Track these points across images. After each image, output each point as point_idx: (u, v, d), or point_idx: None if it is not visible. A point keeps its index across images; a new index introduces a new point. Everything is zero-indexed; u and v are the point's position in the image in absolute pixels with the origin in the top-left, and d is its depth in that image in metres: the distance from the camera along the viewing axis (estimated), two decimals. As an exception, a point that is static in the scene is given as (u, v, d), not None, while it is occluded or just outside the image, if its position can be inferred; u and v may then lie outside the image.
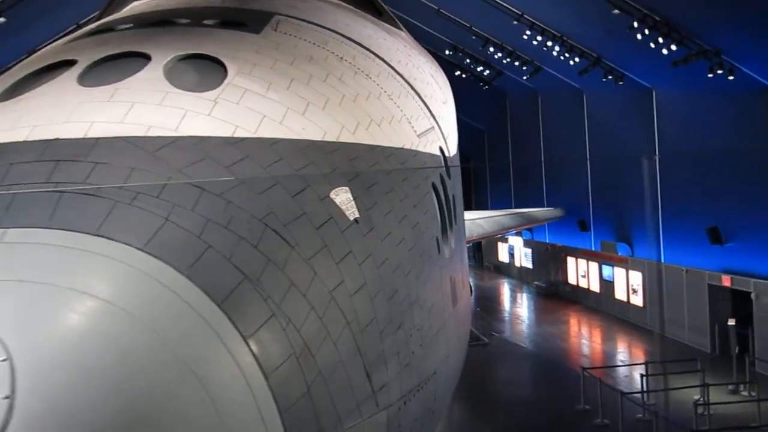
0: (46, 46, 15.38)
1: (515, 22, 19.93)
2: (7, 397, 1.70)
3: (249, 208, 2.38)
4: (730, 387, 14.40)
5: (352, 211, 2.82)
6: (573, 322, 22.72)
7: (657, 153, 19.42)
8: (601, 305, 23.08)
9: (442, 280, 3.92)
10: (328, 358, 2.36)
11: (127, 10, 5.07)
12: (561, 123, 26.25)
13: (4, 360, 1.74)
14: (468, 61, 26.86)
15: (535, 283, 27.96)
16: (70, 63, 3.08)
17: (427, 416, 3.35)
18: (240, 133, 2.68)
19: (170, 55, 3.05)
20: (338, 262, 2.60)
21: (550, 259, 27.25)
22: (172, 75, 2.92)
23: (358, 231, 2.81)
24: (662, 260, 20.11)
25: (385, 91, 4.06)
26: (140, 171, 2.32)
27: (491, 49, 23.92)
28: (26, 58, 14.62)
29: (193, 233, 2.17)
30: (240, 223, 2.31)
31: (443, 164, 4.65)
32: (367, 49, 4.55)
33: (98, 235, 2.04)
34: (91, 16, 19.94)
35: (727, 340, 15.94)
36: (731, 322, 15.04)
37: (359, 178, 3.05)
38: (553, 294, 26.27)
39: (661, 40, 15.58)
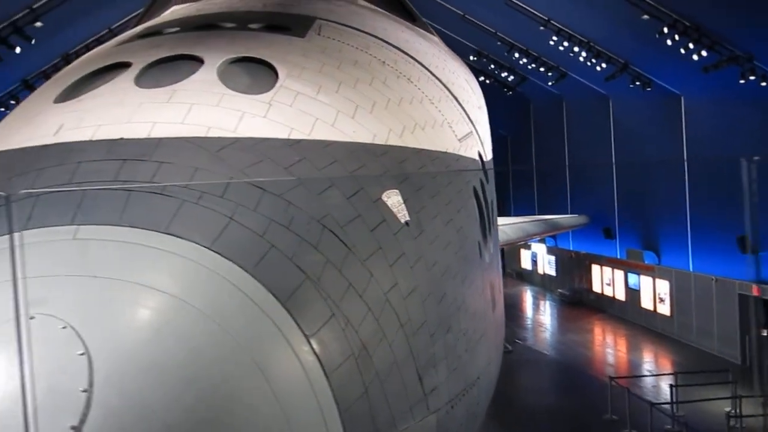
0: (81, 49, 15.68)
1: (542, 28, 19.87)
2: (85, 391, 1.73)
3: (307, 209, 2.43)
4: (762, 400, 14.15)
5: (403, 214, 2.85)
6: (598, 330, 22.51)
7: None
8: (626, 314, 22.83)
9: (484, 284, 3.92)
10: (383, 360, 2.39)
11: (168, 14, 5.17)
12: (586, 129, 26.06)
13: (81, 354, 1.78)
14: (492, 66, 26.83)
15: (559, 290, 27.76)
16: (124, 65, 3.15)
17: (470, 421, 3.36)
18: (295, 135, 2.74)
19: (221, 58, 3.11)
20: (392, 264, 2.62)
21: (574, 267, 27.04)
22: (225, 77, 2.97)
23: (409, 234, 2.84)
24: (690, 269, 19.85)
25: (426, 96, 4.09)
26: (204, 171, 2.38)
27: (516, 55, 23.87)
28: (61, 61, 14.92)
29: (256, 233, 2.22)
30: (300, 224, 2.36)
31: (482, 169, 4.65)
32: (406, 54, 4.58)
33: (167, 233, 2.10)
34: (124, 20, 20.29)
35: (758, 351, 15.66)
36: (764, 332, 14.80)
37: (408, 181, 3.07)
38: (577, 302, 26.04)
39: (691, 45, 15.41)
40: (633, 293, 22.46)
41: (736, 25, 14.88)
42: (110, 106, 2.74)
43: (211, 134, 2.57)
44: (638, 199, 22.49)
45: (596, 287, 25.11)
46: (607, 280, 24.30)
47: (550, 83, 25.04)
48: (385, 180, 2.89)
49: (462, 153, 4.14)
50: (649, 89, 19.90)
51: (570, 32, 19.78)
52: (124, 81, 2.94)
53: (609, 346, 21.14)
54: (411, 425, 2.53)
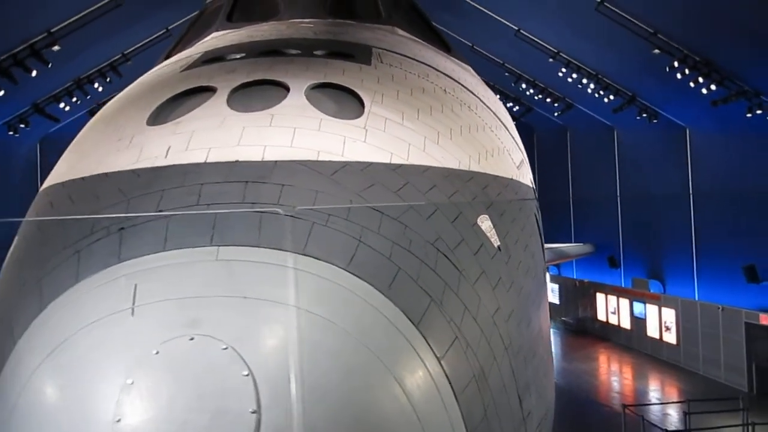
0: (94, 73, 15.75)
1: (551, 60, 20.18)
2: (254, 412, 1.78)
3: (422, 232, 2.49)
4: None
5: (495, 239, 2.95)
6: (603, 359, 22.51)
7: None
8: (632, 342, 22.88)
9: (547, 309, 4.04)
10: (495, 383, 2.45)
11: (214, 40, 4.99)
12: (590, 159, 26.35)
13: (246, 375, 1.82)
14: (498, 97, 27.06)
15: (563, 319, 27.76)
16: (205, 89, 3.16)
17: None
18: (396, 160, 2.80)
19: (304, 83, 3.14)
20: (494, 288, 2.71)
21: (578, 295, 27.09)
22: (314, 102, 3.00)
23: (502, 258, 2.94)
24: (696, 298, 19.97)
25: (486, 123, 4.17)
26: (324, 193, 2.43)
27: (523, 86, 24.17)
28: (73, 85, 15.07)
29: (384, 255, 2.28)
30: (418, 247, 2.42)
31: (536, 195, 4.79)
32: (458, 82, 4.70)
33: (305, 255, 2.14)
34: (138, 45, 20.48)
35: (765, 379, 15.73)
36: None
37: (493, 206, 3.18)
38: (581, 331, 26.05)
39: (701, 79, 15.74)
40: (638, 322, 22.53)
41: (746, 60, 15.21)
42: (214, 129, 2.75)
43: (321, 158, 2.62)
44: (643, 229, 22.68)
45: (601, 316, 25.16)
46: (612, 309, 24.35)
47: (555, 114, 25.33)
48: (477, 205, 3.02)
49: (521, 180, 4.29)
50: (655, 121, 20.20)
51: (579, 64, 20.11)
52: (217, 105, 2.94)
53: (616, 374, 21.13)
54: None
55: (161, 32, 20.36)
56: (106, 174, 2.68)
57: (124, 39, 19.83)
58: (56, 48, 16.74)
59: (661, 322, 21.16)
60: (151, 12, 18.89)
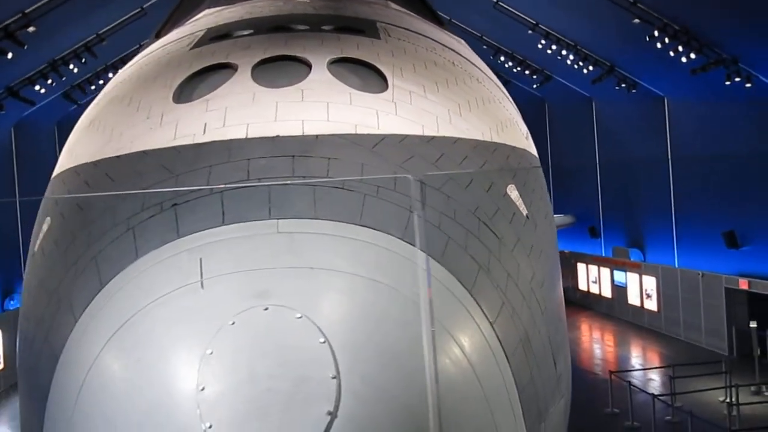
0: (68, 54, 15.27)
1: (530, 32, 20.19)
2: (334, 377, 1.85)
3: (463, 202, 2.56)
4: (753, 388, 14.67)
5: (523, 207, 3.02)
6: (586, 327, 22.90)
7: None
8: (613, 311, 23.28)
9: (561, 276, 4.13)
10: (537, 346, 2.55)
11: (212, 17, 4.84)
12: (569, 131, 26.52)
13: (323, 342, 1.89)
14: (477, 70, 27.07)
15: (544, 289, 28.14)
16: (225, 66, 3.15)
17: (568, 409, 3.52)
18: (428, 132, 2.84)
19: (324, 58, 3.14)
20: (528, 255, 2.79)
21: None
22: (338, 77, 3.01)
23: (531, 226, 3.02)
24: (677, 265, 20.38)
25: (494, 96, 4.21)
26: (369, 166, 2.47)
27: (501, 59, 24.17)
28: (46, 67, 14.69)
29: (434, 224, 2.35)
30: (461, 216, 2.49)
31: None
32: (461, 55, 4.73)
33: (363, 225, 2.20)
34: (113, 24, 20.02)
35: (744, 343, 16.16)
36: (753, 324, 15.29)
37: (516, 177, 3.25)
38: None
39: (680, 48, 15.89)
40: (619, 290, 22.90)
41: (723, 28, 15.39)
42: (247, 105, 2.76)
43: (359, 131, 2.65)
44: (623, 198, 22.98)
45: (582, 285, 25.53)
46: (593, 278, 24.74)
47: (534, 86, 25.41)
48: (505, 176, 3.08)
49: (531, 151, 4.36)
50: (634, 91, 20.37)
51: (558, 36, 20.13)
52: (243, 81, 2.94)
53: (599, 342, 21.54)
54: (553, 408, 2.69)
55: (136, 11, 19.93)
56: (144, 152, 2.68)
57: (98, 19, 19.37)
58: (31, 29, 16.32)
59: (641, 289, 21.52)
60: (125, -9, 18.49)
